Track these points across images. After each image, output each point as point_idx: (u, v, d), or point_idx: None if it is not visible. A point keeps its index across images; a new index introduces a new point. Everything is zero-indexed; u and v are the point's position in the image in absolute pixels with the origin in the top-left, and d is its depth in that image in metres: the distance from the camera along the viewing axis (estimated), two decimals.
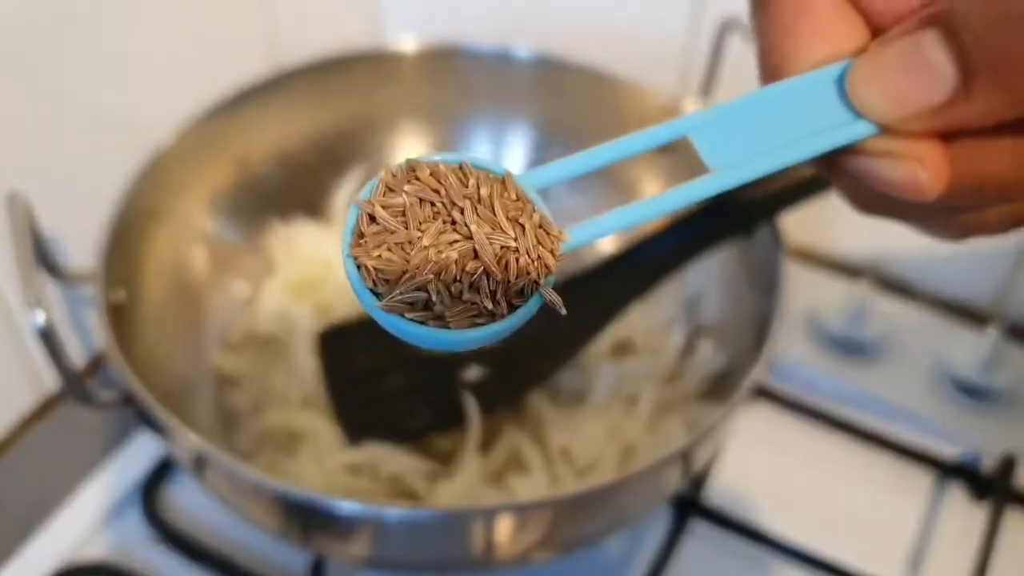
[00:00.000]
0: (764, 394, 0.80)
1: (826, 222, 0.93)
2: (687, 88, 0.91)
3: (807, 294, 0.87)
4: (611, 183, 0.83)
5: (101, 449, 0.77)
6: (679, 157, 0.79)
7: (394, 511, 0.51)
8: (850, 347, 0.83)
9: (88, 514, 0.71)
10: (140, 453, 0.74)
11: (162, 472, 0.73)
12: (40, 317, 0.50)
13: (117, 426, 0.78)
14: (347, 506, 0.50)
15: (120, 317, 0.62)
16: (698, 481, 0.72)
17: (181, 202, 0.73)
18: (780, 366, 0.81)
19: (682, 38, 0.89)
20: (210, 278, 0.76)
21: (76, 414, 0.79)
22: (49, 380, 0.78)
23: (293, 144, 0.81)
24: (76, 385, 0.54)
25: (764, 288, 0.67)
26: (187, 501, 0.72)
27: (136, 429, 0.77)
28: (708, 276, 0.76)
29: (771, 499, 0.73)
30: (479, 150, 0.87)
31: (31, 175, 0.65)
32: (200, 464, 0.56)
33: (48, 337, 0.51)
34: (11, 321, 0.72)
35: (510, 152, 0.87)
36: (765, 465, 0.77)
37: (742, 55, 0.75)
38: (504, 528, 0.53)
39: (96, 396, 0.55)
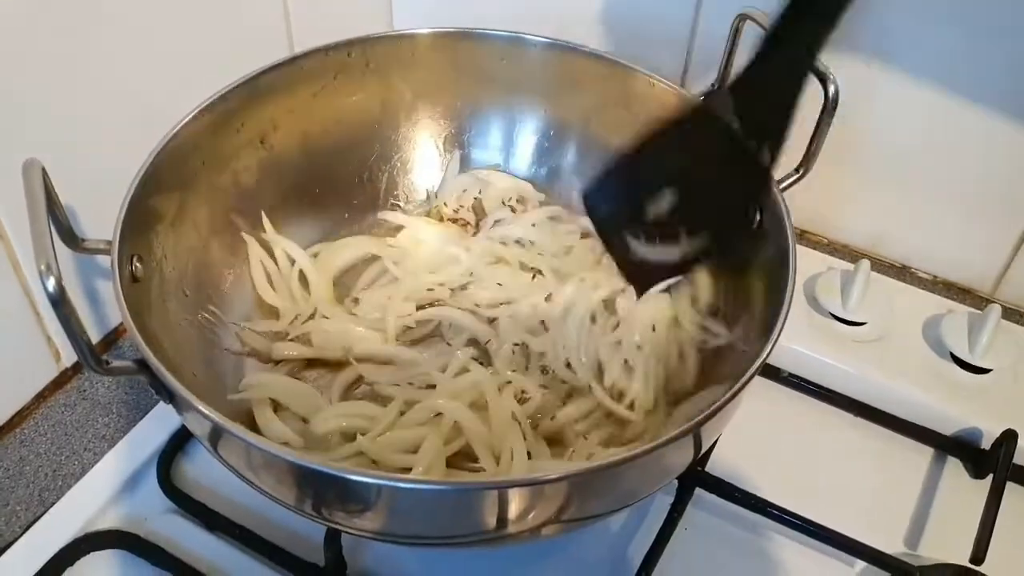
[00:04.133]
0: (767, 371, 0.79)
1: (828, 205, 0.92)
2: (694, 75, 0.89)
3: (810, 274, 0.86)
4: None
5: (119, 420, 0.76)
6: None
7: (407, 484, 0.50)
8: (851, 325, 0.82)
9: (106, 484, 0.69)
10: (157, 424, 0.73)
11: (178, 443, 0.72)
12: (51, 283, 0.48)
13: (135, 398, 0.77)
14: (359, 478, 0.49)
15: (137, 288, 0.61)
16: (703, 454, 0.71)
17: (202, 177, 0.71)
18: (783, 343, 0.80)
19: (687, 27, 0.87)
20: (228, 253, 0.75)
21: (94, 386, 0.78)
22: (67, 353, 0.77)
23: (312, 126, 0.79)
24: (88, 353, 0.52)
25: (772, 273, 0.65)
26: (203, 472, 0.71)
27: (153, 401, 0.76)
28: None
29: (773, 472, 0.72)
30: (491, 135, 0.86)
31: (54, 147, 0.64)
32: (214, 436, 0.55)
33: (60, 304, 0.49)
34: (29, 292, 0.71)
35: (522, 139, 0.85)
36: (768, 440, 0.75)
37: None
38: (516, 503, 0.51)
39: (109, 364, 0.54)
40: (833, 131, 0.67)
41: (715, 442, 0.72)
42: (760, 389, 0.78)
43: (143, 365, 0.55)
